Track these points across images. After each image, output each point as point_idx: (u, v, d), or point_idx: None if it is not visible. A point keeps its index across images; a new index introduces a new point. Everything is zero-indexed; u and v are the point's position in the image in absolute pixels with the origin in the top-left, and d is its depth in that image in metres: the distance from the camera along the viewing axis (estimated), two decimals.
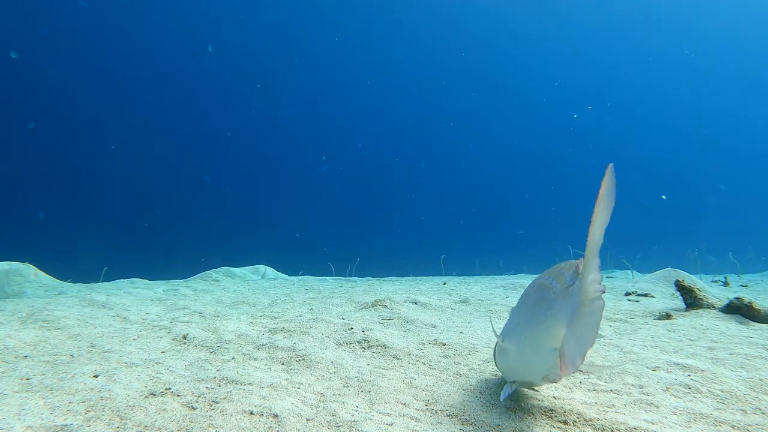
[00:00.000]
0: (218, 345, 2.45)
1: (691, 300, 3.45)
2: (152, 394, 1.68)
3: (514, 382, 1.57)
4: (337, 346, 2.39)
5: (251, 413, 1.49)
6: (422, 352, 2.32)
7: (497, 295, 4.76)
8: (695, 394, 1.68)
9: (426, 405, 1.62)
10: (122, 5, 24.37)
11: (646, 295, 4.61)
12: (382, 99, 33.27)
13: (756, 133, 32.63)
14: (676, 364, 2.00)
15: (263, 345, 2.41)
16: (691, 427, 1.42)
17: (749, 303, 3.12)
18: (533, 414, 1.52)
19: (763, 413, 1.51)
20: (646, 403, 1.59)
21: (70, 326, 2.97)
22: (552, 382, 1.51)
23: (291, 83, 30.21)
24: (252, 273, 8.26)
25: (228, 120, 29.17)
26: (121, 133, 25.84)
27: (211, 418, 1.45)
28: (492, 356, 2.21)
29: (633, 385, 1.78)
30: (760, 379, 1.80)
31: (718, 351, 2.29)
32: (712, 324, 2.96)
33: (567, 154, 33.26)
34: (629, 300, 4.45)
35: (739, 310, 3.14)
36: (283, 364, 2.12)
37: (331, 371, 2.00)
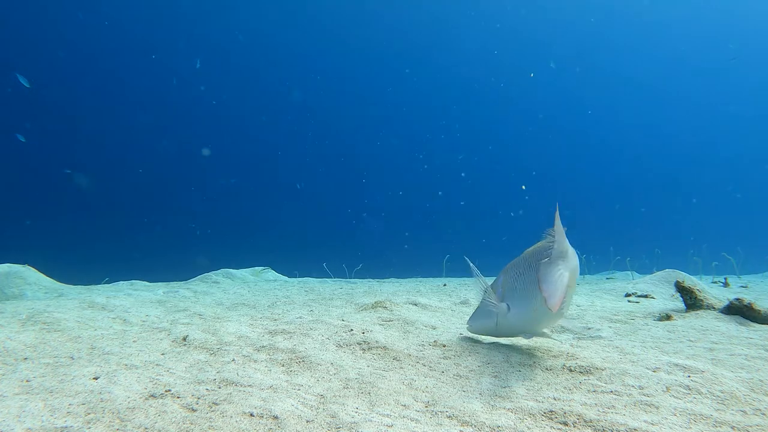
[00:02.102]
0: (218, 347, 2.45)
1: (691, 301, 3.45)
2: (152, 396, 1.68)
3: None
4: (337, 348, 2.39)
5: (251, 415, 1.49)
6: (422, 353, 2.32)
7: None
8: (695, 395, 1.67)
9: (426, 406, 1.62)
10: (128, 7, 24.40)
11: (646, 296, 4.61)
12: (382, 100, 33.28)
13: (756, 134, 32.64)
14: (677, 365, 1.99)
15: (263, 347, 2.41)
16: (691, 428, 1.42)
17: (749, 304, 3.12)
18: (533, 415, 1.52)
19: (764, 414, 1.51)
20: (646, 404, 1.59)
21: (70, 328, 2.97)
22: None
23: (291, 84, 30.24)
24: (252, 275, 8.26)
25: (228, 121, 29.19)
26: (121, 136, 25.86)
27: (211, 420, 1.45)
28: (490, 360, 2.21)
29: (633, 386, 1.78)
30: (760, 380, 1.80)
31: (718, 352, 2.29)
32: (712, 325, 2.96)
33: (564, 156, 33.23)
34: (629, 301, 4.45)
35: (739, 311, 3.14)
36: (283, 365, 2.11)
37: (331, 373, 2.00)
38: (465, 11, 30.92)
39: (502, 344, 2.48)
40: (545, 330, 2.24)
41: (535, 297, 2.07)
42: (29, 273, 6.29)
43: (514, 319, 2.19)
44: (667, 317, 3.24)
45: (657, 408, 1.56)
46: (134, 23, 25.09)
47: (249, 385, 1.80)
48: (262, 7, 27.97)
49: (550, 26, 31.66)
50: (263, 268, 8.38)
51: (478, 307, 2.43)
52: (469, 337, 2.67)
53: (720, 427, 1.42)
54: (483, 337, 2.66)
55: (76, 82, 25.15)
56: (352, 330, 2.72)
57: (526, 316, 2.14)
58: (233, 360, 2.19)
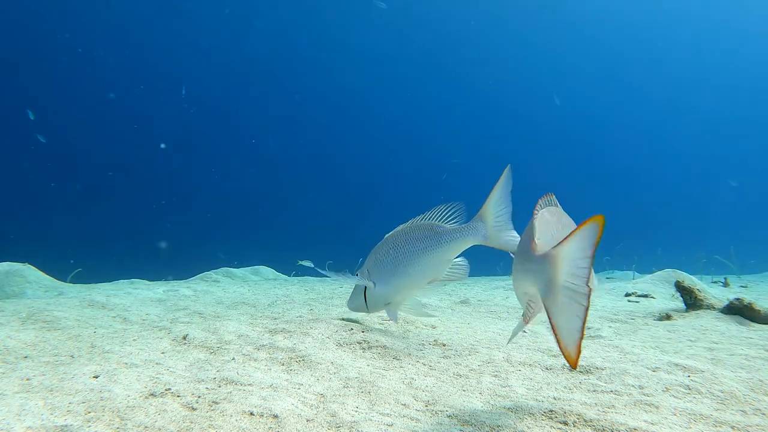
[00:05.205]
0: (218, 346, 2.45)
1: (691, 301, 3.45)
2: (152, 394, 1.68)
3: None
4: (337, 347, 2.39)
5: (251, 414, 1.49)
6: (422, 352, 2.32)
7: (497, 296, 4.76)
8: (695, 395, 1.68)
9: (426, 406, 1.62)
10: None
11: (646, 296, 4.61)
12: (380, 97, 33.26)
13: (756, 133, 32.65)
14: (676, 365, 2.00)
15: (263, 346, 2.41)
16: (691, 427, 1.42)
17: (749, 304, 3.12)
18: (533, 414, 1.52)
19: (764, 414, 1.52)
20: (646, 404, 1.59)
21: (70, 327, 2.97)
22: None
23: (289, 83, 30.24)
24: (252, 274, 8.26)
25: (227, 120, 29.19)
26: (121, 134, 25.85)
27: (211, 419, 1.45)
28: (490, 359, 2.21)
29: (633, 385, 1.78)
30: (760, 380, 1.80)
31: (718, 352, 2.29)
32: (712, 325, 2.96)
33: (565, 158, 33.16)
34: (629, 301, 4.45)
35: (739, 311, 3.14)
36: (283, 364, 2.11)
37: (331, 372, 2.00)
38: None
39: (502, 344, 2.48)
40: (409, 306, 2.74)
41: (397, 272, 2.58)
42: (29, 271, 6.29)
43: (378, 292, 2.66)
44: (667, 317, 3.24)
45: (657, 408, 1.56)
46: (142, 23, 25.09)
47: (249, 384, 1.80)
48: (275, 11, 27.89)
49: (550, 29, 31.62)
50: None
51: (353, 290, 2.83)
52: (469, 337, 2.68)
53: (720, 426, 1.43)
54: (477, 335, 2.66)
55: (75, 79, 25.13)
56: (352, 329, 2.72)
57: (388, 289, 2.64)
58: (233, 359, 2.19)
